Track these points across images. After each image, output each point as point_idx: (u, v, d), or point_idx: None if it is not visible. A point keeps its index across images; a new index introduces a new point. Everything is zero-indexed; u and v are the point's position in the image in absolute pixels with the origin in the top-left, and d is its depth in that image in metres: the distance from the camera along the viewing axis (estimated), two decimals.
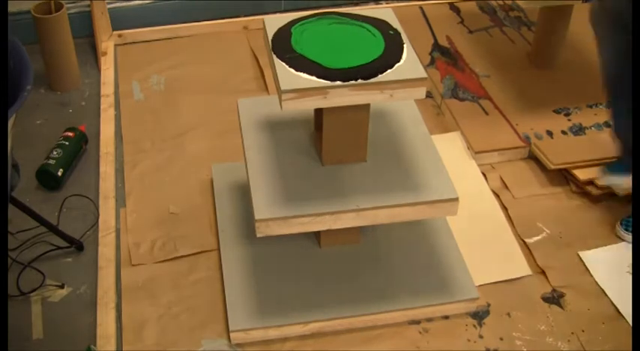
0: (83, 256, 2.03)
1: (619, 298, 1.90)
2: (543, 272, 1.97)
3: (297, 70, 1.59)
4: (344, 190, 1.70)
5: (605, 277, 1.95)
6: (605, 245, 2.05)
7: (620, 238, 2.06)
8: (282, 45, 1.66)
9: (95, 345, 1.77)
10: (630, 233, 2.05)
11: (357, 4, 3.16)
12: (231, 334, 1.77)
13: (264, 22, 1.74)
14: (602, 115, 2.43)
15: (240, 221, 2.03)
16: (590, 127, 2.38)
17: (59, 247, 2.02)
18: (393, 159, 1.79)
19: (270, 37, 1.69)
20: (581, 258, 2.00)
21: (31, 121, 2.49)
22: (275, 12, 3.02)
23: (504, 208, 2.16)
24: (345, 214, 1.67)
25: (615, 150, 2.12)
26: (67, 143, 2.29)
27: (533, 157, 2.32)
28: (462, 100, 2.53)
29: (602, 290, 1.92)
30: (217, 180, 2.16)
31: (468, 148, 2.33)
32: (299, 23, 1.74)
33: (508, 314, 1.88)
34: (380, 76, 1.58)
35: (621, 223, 2.07)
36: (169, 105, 2.55)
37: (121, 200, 2.18)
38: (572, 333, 1.83)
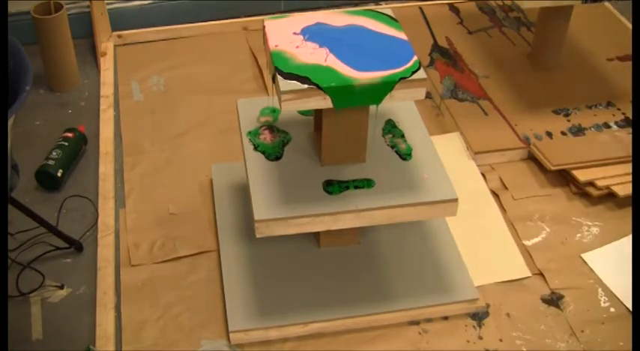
0: (82, 256, 2.03)
1: (627, 295, 1.90)
2: (542, 273, 1.97)
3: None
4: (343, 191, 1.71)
5: (609, 276, 1.95)
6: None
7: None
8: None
9: (94, 345, 1.77)
10: None
11: (356, 5, 3.16)
12: (231, 335, 1.77)
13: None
14: (602, 115, 2.43)
15: (240, 222, 2.03)
16: (590, 128, 2.38)
17: (58, 248, 2.02)
18: (392, 160, 1.79)
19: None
20: (583, 259, 2.00)
21: (31, 122, 2.49)
22: (275, 12, 3.02)
23: (504, 209, 2.16)
24: (345, 215, 1.67)
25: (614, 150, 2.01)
26: (66, 144, 2.29)
27: (532, 158, 2.32)
28: (461, 100, 2.53)
29: (602, 291, 1.92)
30: (217, 180, 2.16)
31: (468, 149, 2.33)
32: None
33: (508, 315, 1.88)
34: None
35: None
36: (169, 105, 2.55)
37: (120, 201, 2.18)
38: (572, 334, 1.83)
